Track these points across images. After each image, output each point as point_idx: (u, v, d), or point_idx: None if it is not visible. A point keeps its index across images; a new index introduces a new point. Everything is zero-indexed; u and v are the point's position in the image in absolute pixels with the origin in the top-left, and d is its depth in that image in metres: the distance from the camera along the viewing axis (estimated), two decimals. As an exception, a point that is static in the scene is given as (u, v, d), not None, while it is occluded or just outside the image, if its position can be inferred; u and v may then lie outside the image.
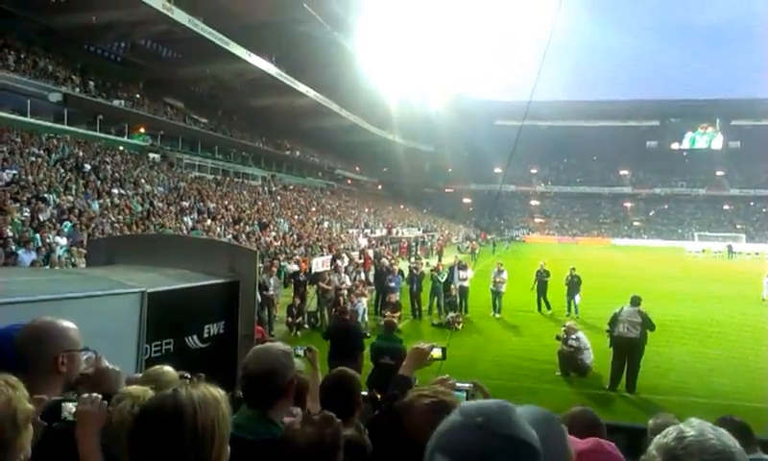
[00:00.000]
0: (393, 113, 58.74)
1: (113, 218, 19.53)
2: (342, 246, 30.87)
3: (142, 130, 37.64)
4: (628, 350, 10.12)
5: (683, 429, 1.20)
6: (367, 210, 56.24)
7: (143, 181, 27.25)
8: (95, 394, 1.93)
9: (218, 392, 1.42)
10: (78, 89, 31.78)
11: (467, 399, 1.87)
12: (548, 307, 17.70)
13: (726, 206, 78.42)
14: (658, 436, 1.24)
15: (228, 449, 1.41)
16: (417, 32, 55.09)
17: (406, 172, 73.74)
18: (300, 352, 3.91)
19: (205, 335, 5.81)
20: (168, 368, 2.58)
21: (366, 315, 14.91)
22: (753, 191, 77.76)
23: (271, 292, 13.88)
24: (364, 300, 15.16)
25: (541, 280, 18.05)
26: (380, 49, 49.38)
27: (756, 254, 52.38)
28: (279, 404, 2.21)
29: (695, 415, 1.32)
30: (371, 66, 50.13)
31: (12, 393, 1.44)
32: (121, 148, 33.22)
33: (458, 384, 1.97)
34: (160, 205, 24.62)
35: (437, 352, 2.02)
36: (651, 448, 1.23)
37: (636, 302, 10.40)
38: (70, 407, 1.89)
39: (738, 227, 71.52)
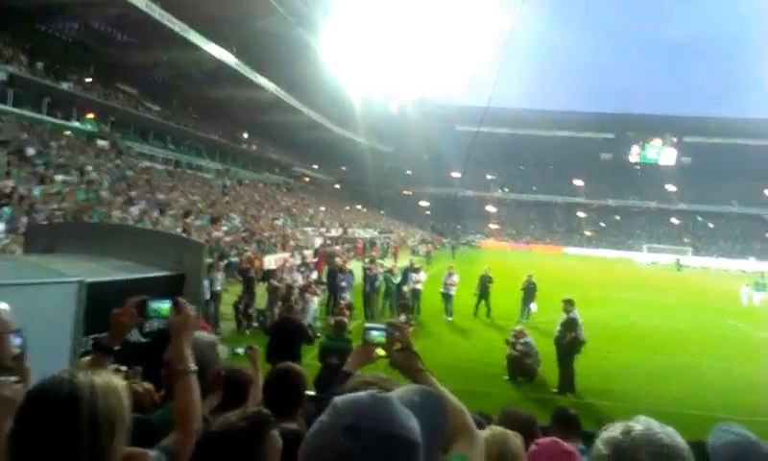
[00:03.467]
0: (354, 112, 58.60)
1: (56, 205, 18.76)
2: (295, 244, 30.56)
3: (91, 115, 36.32)
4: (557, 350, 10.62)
5: (630, 424, 1.21)
6: (323, 209, 55.91)
7: (89, 168, 26.30)
8: (11, 377, 1.84)
9: (119, 381, 1.38)
10: (25, 70, 30.41)
11: (386, 337, 1.85)
12: (488, 314, 17.65)
13: (674, 220, 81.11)
14: (604, 431, 1.24)
15: (123, 444, 1.35)
16: (380, 32, 55.14)
17: (365, 172, 73.75)
18: (241, 351, 3.85)
19: (147, 329, 5.60)
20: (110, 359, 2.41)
21: (317, 314, 14.74)
22: (701, 207, 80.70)
23: (218, 288, 13.53)
24: (315, 299, 14.97)
25: (484, 285, 18.10)
26: (344, 47, 49.18)
27: (704, 268, 54.99)
28: (207, 399, 2.12)
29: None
30: (333, 64, 49.87)
31: None
32: (68, 133, 31.98)
33: (374, 325, 1.95)
34: (106, 194, 23.81)
35: (381, 350, 1.92)
36: (597, 443, 1.23)
37: (565, 304, 10.84)
38: None
39: (686, 241, 74.05)
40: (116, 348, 2.17)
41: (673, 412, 8.86)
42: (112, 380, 1.35)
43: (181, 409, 1.84)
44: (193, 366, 1.91)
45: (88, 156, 29.02)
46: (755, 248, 69.62)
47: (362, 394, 1.04)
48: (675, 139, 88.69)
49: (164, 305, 2.13)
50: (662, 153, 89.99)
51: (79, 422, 1.24)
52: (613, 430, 1.22)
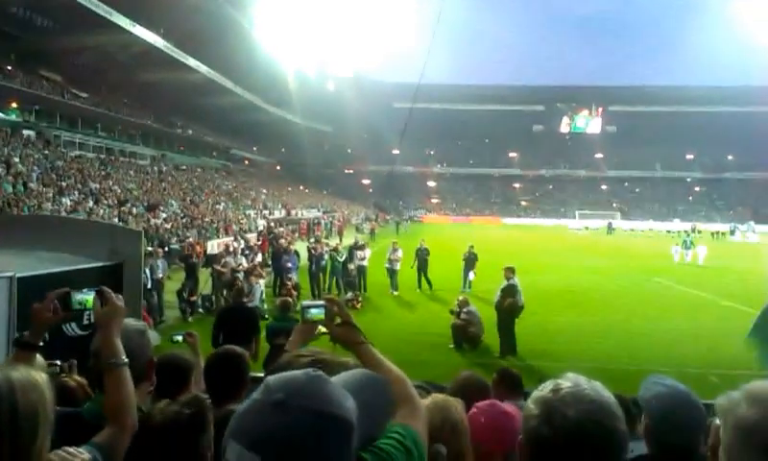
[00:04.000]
0: (291, 92, 57.71)
1: (-20, 200, 17.84)
2: (238, 228, 30.11)
3: (14, 104, 34.38)
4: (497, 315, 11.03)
5: (558, 382, 1.22)
6: (265, 192, 55.10)
7: (16, 159, 25.02)
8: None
9: (40, 375, 1.32)
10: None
11: (325, 313, 1.84)
12: (429, 286, 17.92)
13: (603, 187, 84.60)
14: (535, 390, 1.26)
15: (48, 441, 1.29)
16: (312, 9, 54.28)
17: (305, 153, 73.07)
18: (179, 338, 3.80)
19: (86, 322, 5.44)
20: (36, 355, 2.30)
21: (264, 296, 14.67)
22: (627, 172, 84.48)
23: (159, 275, 13.24)
24: (261, 281, 14.88)
25: (422, 258, 18.31)
26: (276, 25, 48.21)
27: (632, 231, 57.67)
28: (139, 388, 2.05)
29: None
30: (266, 43, 48.86)
31: None
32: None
33: (312, 303, 1.93)
34: (35, 185, 22.75)
35: (323, 327, 1.90)
36: (528, 402, 1.24)
37: (505, 272, 11.22)
38: None
39: (614, 206, 77.49)
40: (40, 343, 2.04)
41: (609, 368, 9.32)
42: (32, 375, 1.29)
43: (114, 403, 1.77)
44: (124, 358, 1.84)
45: (14, 147, 27.57)
46: (678, 209, 73.87)
47: (297, 372, 1.01)
48: (600, 109, 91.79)
49: (89, 297, 2.03)
50: (590, 123, 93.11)
51: None
52: (543, 389, 1.23)
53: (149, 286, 12.27)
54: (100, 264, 5.69)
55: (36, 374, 1.31)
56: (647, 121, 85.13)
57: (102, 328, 1.89)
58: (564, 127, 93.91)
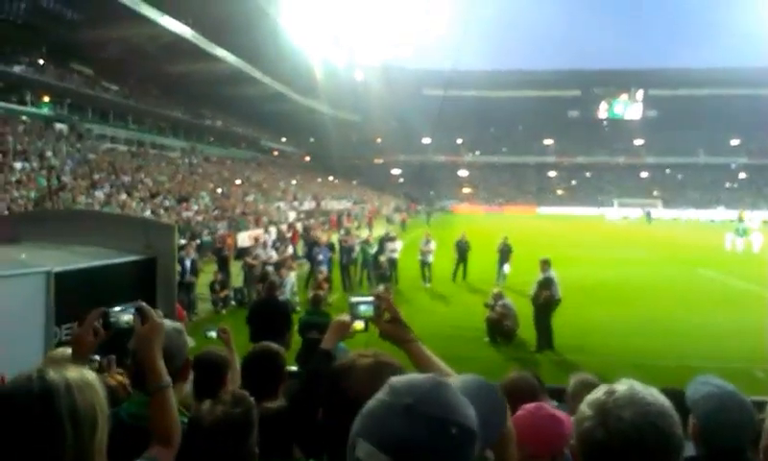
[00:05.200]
0: (319, 82, 57.63)
1: (17, 194, 18.16)
2: (268, 220, 30.24)
3: (47, 98, 35.02)
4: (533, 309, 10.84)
5: (613, 386, 1.22)
6: (294, 183, 55.31)
7: (49, 153, 25.48)
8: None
9: (92, 374, 1.32)
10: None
11: (374, 310, 1.83)
12: (464, 277, 17.93)
13: (643, 174, 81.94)
14: (588, 394, 1.25)
15: (105, 437, 1.29)
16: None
17: (334, 143, 72.89)
18: (214, 335, 3.76)
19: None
20: (70, 350, 2.35)
21: (296, 288, 14.64)
22: (669, 159, 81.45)
23: (188, 278, 13.17)
24: (292, 274, 14.86)
25: (462, 251, 18.25)
26: (303, 14, 48.08)
27: (674, 220, 55.87)
28: (176, 388, 2.05)
29: (618, 374, 1.33)
30: (294, 32, 48.79)
31: None
32: (24, 118, 30.84)
33: (361, 299, 1.90)
34: (68, 179, 23.13)
35: (359, 325, 1.91)
36: (582, 406, 1.24)
37: (541, 264, 11.04)
38: None
39: (655, 194, 74.95)
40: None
41: (648, 364, 9.08)
42: (85, 374, 1.30)
43: (162, 425, 1.77)
44: (168, 379, 1.83)
45: (47, 140, 28.09)
46: (722, 197, 71.12)
47: (419, 376, 1.03)
48: (640, 93, 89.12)
49: (126, 316, 2.01)
50: (629, 108, 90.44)
51: (59, 419, 1.18)
52: (597, 392, 1.23)
53: (183, 280, 12.32)
54: (135, 258, 5.68)
55: (90, 373, 1.33)
56: (689, 105, 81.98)
57: (144, 350, 1.87)
58: (602, 112, 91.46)
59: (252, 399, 2.01)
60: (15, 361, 2.25)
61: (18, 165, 21.91)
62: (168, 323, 2.15)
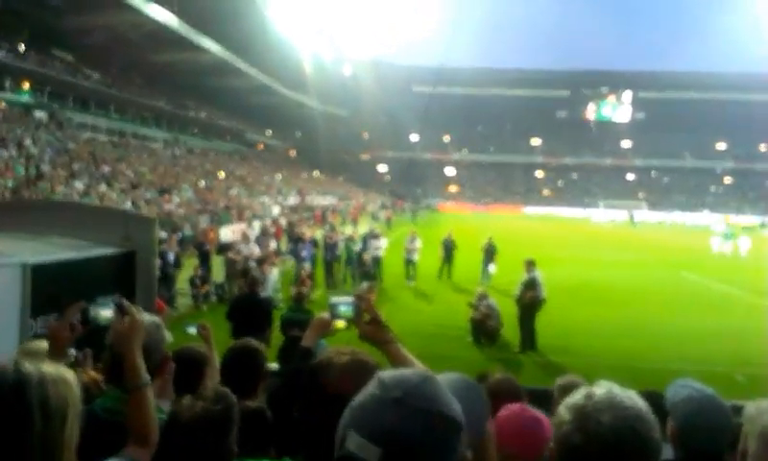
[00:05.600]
0: (306, 75, 57.29)
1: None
2: (251, 214, 29.98)
3: (27, 85, 34.35)
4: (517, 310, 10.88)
5: (591, 389, 1.22)
6: (279, 177, 54.94)
7: (28, 141, 24.99)
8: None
9: (68, 372, 1.34)
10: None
11: (354, 311, 1.83)
12: (449, 276, 17.98)
13: (630, 176, 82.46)
14: (567, 397, 1.25)
15: (77, 435, 1.31)
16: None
17: (321, 138, 72.55)
18: (194, 331, 3.74)
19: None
20: (45, 343, 2.39)
21: (278, 285, 14.49)
22: (655, 161, 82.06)
23: (169, 271, 12.98)
24: (275, 270, 14.71)
25: (448, 250, 18.27)
26: (292, 5, 47.68)
27: (659, 223, 56.24)
28: (153, 383, 2.04)
29: (601, 376, 1.33)
30: (281, 24, 48.38)
31: None
32: (3, 105, 30.24)
33: (341, 299, 1.90)
34: (47, 168, 22.71)
35: (340, 323, 1.91)
36: (560, 409, 1.23)
37: (526, 265, 11.11)
38: None
39: (641, 196, 75.36)
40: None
41: (631, 366, 9.13)
42: (61, 370, 1.32)
43: (139, 423, 1.77)
44: (147, 377, 1.83)
45: (26, 128, 27.57)
46: (707, 200, 72.03)
47: (407, 371, 1.05)
48: (628, 95, 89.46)
49: (105, 312, 2.00)
50: (617, 109, 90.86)
51: (29, 409, 1.21)
52: (575, 396, 1.23)
53: (164, 274, 12.13)
54: (113, 251, 5.57)
55: (66, 370, 1.34)
56: (676, 108, 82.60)
57: (123, 348, 1.86)
58: (590, 113, 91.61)
59: (233, 396, 1.99)
60: None
61: (-4, 153, 21.49)
62: (147, 317, 2.14)
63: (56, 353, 2.01)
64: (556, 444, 1.22)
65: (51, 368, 1.30)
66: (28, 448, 1.20)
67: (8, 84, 32.72)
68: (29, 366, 1.27)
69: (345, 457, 0.97)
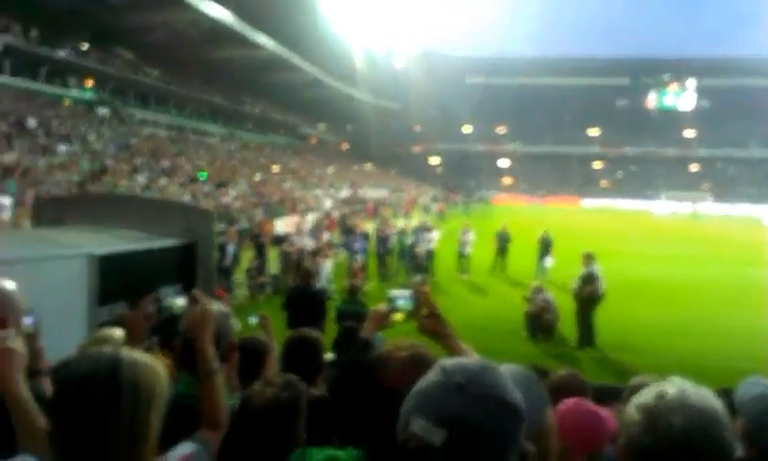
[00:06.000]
0: (358, 68, 57.47)
1: (60, 177, 18.63)
2: (305, 207, 30.38)
3: (90, 82, 35.81)
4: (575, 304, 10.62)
5: (663, 388, 1.18)
6: (331, 170, 55.46)
7: (92, 137, 26.06)
8: (8, 329, 1.85)
9: (155, 359, 1.40)
10: (20, 39, 29.82)
11: (413, 304, 1.86)
12: (502, 269, 17.75)
13: (693, 167, 78.74)
14: (635, 396, 1.22)
15: (160, 421, 1.37)
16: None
17: (372, 131, 72.73)
18: (255, 321, 3.86)
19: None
20: (118, 330, 2.49)
21: (331, 276, 14.64)
22: (720, 151, 77.82)
23: (228, 262, 13.31)
24: (328, 262, 14.87)
25: (502, 243, 18.03)
26: None
27: (724, 216, 52.90)
28: (223, 370, 2.15)
29: (661, 373, 1.31)
30: (334, 18, 48.67)
31: None
32: (67, 102, 31.63)
33: (400, 293, 1.93)
34: (111, 162, 23.63)
35: (398, 315, 1.93)
36: (630, 408, 1.21)
37: (584, 259, 10.81)
38: None
39: (705, 187, 71.76)
40: None
41: (693, 364, 8.79)
42: (151, 359, 1.39)
43: (212, 409, 1.86)
44: (217, 365, 1.91)
45: (90, 124, 28.75)
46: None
47: (468, 359, 1.10)
48: (693, 82, 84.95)
49: (178, 301, 2.12)
50: (680, 97, 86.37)
51: (121, 390, 1.28)
52: (646, 395, 1.19)
53: (222, 266, 12.47)
54: (176, 243, 5.76)
55: (153, 358, 1.41)
56: (742, 95, 77.67)
57: (195, 335, 1.94)
58: (651, 102, 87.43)
59: (302, 384, 2.06)
60: (59, 341, 2.27)
61: (62, 148, 22.46)
62: (216, 306, 2.24)
63: (132, 341, 2.11)
64: (625, 444, 1.20)
65: (144, 356, 1.38)
66: (117, 427, 1.27)
67: (72, 82, 34.20)
68: (125, 352, 1.34)
69: (409, 440, 1.00)
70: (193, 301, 1.99)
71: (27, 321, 2.08)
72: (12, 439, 1.65)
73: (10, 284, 2.07)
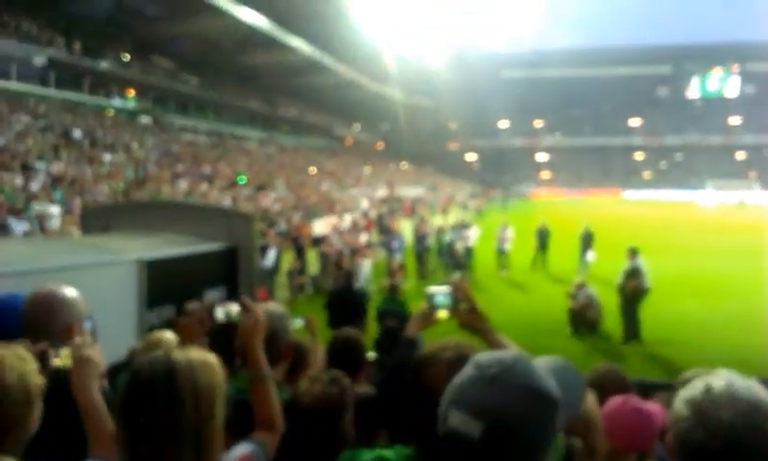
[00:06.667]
0: (391, 68, 57.38)
1: (106, 185, 19.20)
2: (342, 207, 30.57)
3: (132, 92, 36.82)
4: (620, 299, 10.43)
5: (710, 381, 1.18)
6: (367, 170, 55.64)
7: (135, 145, 26.78)
8: (87, 338, 1.89)
9: (211, 356, 1.42)
10: (63, 52, 30.86)
11: (452, 300, 1.86)
12: (543, 265, 17.51)
13: (739, 155, 75.95)
14: (683, 389, 1.22)
15: (222, 414, 1.39)
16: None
17: (407, 129, 72.51)
18: (301, 323, 3.86)
19: (206, 301, 5.67)
20: (169, 333, 2.60)
21: (370, 276, 14.68)
22: (767, 138, 74.48)
23: (270, 264, 13.47)
24: (367, 261, 14.92)
25: (543, 239, 17.79)
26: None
27: None
28: (279, 367, 2.25)
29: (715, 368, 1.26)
30: (365, 17, 48.73)
31: (24, 367, 1.45)
32: (110, 112, 32.57)
33: (438, 289, 1.91)
34: (154, 169, 24.23)
35: (442, 313, 1.90)
36: (677, 403, 1.21)
37: (629, 253, 10.61)
38: (62, 353, 1.80)
39: (752, 175, 69.05)
40: None
41: (743, 358, 8.47)
42: (208, 357, 1.40)
43: (265, 414, 1.88)
44: (268, 370, 1.94)
45: (133, 133, 29.54)
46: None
47: (503, 353, 1.11)
48: (736, 67, 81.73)
49: (233, 308, 2.10)
50: (723, 84, 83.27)
51: (181, 395, 1.29)
52: (693, 389, 1.19)
53: (270, 265, 12.69)
54: (219, 247, 5.88)
55: (210, 355, 1.42)
56: None
57: (247, 342, 1.96)
58: (694, 89, 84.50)
59: (347, 379, 2.09)
60: (110, 345, 2.34)
61: (107, 157, 23.15)
62: (274, 306, 2.37)
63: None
64: (675, 440, 1.20)
65: (197, 354, 1.38)
66: (181, 433, 1.29)
67: (114, 92, 35.22)
68: (178, 354, 1.36)
69: (448, 434, 1.02)
70: (244, 308, 2.01)
71: (86, 325, 2.13)
72: (83, 443, 1.70)
73: (72, 291, 2.12)
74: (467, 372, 1.06)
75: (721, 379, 1.17)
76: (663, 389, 3.40)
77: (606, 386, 2.60)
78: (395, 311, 7.35)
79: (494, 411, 0.98)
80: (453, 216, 27.58)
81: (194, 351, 1.40)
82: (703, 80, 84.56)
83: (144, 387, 1.31)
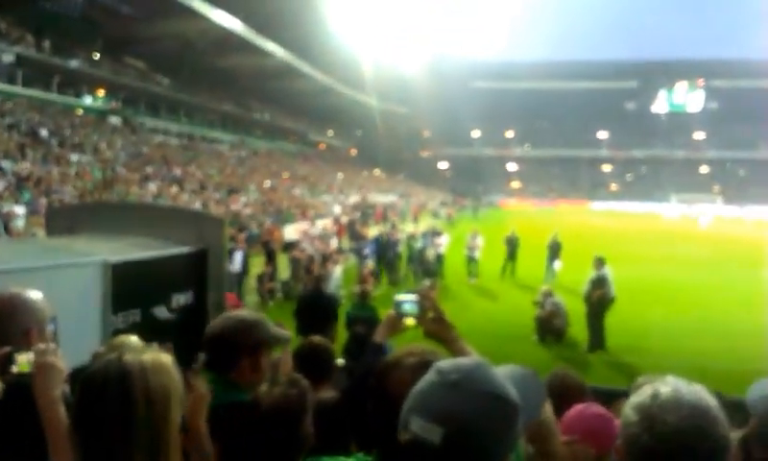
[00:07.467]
0: (366, 74, 57.49)
1: (72, 186, 18.81)
2: (314, 213, 30.48)
3: (101, 92, 36.17)
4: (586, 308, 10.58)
5: (657, 387, 1.21)
6: (341, 176, 55.57)
7: (104, 146, 26.31)
8: (51, 343, 1.81)
9: (167, 357, 1.40)
10: (32, 49, 30.19)
11: (418, 308, 1.86)
12: (512, 273, 17.69)
13: (703, 169, 78.35)
14: (633, 395, 1.25)
15: (180, 417, 1.38)
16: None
17: (381, 136, 72.68)
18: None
19: (173, 305, 5.59)
20: (133, 337, 2.48)
21: (341, 282, 14.66)
22: (730, 153, 77.50)
23: (238, 268, 13.36)
24: (338, 267, 14.90)
25: (512, 247, 17.99)
26: (351, 5, 48.02)
27: (735, 218, 51.98)
28: (243, 367, 2.21)
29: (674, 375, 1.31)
30: (341, 24, 48.81)
31: None
32: (79, 112, 31.94)
33: (406, 297, 1.91)
34: (122, 171, 23.83)
35: (410, 320, 1.91)
36: (626, 408, 1.24)
37: (595, 262, 10.75)
38: (24, 358, 1.71)
39: (716, 190, 71.48)
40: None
41: (705, 366, 8.67)
42: (162, 358, 1.38)
43: None
44: (210, 448, 1.88)
45: (102, 133, 29.02)
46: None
47: (463, 358, 1.14)
48: (701, 82, 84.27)
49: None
50: (688, 99, 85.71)
51: (133, 394, 1.28)
52: (641, 395, 1.22)
53: (238, 269, 12.56)
54: (187, 250, 5.77)
55: (165, 356, 1.40)
56: (752, 97, 75.89)
57: (190, 422, 1.87)
58: (660, 104, 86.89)
59: (306, 381, 2.08)
60: (74, 349, 2.29)
61: (75, 157, 22.69)
62: (244, 312, 2.41)
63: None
64: (624, 444, 1.23)
65: (150, 356, 1.36)
66: (134, 434, 1.28)
67: (84, 91, 34.54)
68: (130, 356, 1.34)
69: (409, 440, 1.02)
70: (187, 385, 1.85)
71: (49, 328, 2.05)
72: (42, 451, 1.66)
73: (36, 294, 2.06)
74: (428, 378, 1.07)
75: (668, 385, 1.21)
76: (624, 396, 3.49)
77: (566, 390, 2.70)
78: (364, 317, 7.37)
79: (455, 417, 0.99)
80: (424, 223, 27.71)
81: (148, 353, 1.39)
82: (669, 93, 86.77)
83: (96, 388, 1.30)
